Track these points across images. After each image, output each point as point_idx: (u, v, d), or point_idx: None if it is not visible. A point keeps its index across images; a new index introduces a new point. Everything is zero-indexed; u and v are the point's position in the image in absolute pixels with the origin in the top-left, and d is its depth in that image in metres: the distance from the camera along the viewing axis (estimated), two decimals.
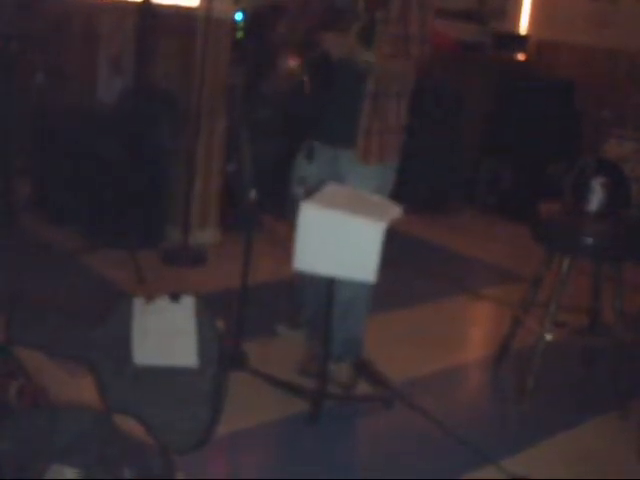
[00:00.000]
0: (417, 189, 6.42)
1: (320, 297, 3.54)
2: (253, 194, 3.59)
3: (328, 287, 3.32)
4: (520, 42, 7.76)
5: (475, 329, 4.96)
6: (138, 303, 3.12)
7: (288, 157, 3.91)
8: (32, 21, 5.66)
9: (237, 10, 4.08)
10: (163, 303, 3.11)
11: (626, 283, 3.88)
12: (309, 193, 3.30)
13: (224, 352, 3.11)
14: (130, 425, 2.97)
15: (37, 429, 2.71)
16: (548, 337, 3.79)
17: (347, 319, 3.73)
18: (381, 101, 3.54)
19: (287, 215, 3.79)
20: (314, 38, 3.44)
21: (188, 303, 3.07)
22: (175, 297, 3.11)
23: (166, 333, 3.07)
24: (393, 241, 3.11)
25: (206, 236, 5.34)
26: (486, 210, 6.97)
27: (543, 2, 7.79)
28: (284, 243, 3.72)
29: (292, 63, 3.51)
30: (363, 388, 3.73)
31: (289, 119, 3.78)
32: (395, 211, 3.28)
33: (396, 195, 3.64)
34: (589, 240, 3.72)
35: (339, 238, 3.10)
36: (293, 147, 3.86)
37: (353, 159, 3.58)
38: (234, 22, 4.85)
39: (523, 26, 7.89)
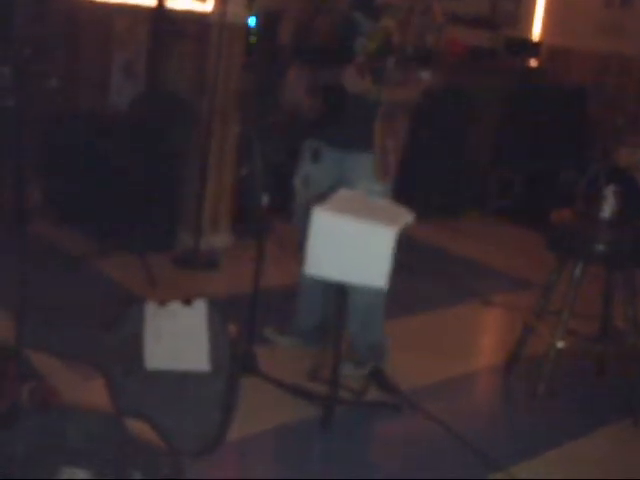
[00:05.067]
0: (429, 195, 6.42)
1: (331, 302, 3.54)
2: (265, 199, 3.60)
3: (340, 293, 3.32)
4: (532, 48, 7.76)
5: (486, 336, 4.95)
6: (150, 307, 3.13)
7: (292, 158, 3.93)
8: (46, 25, 5.69)
9: (250, 15, 4.08)
10: (175, 307, 3.12)
11: (638, 290, 3.87)
12: (320, 198, 3.30)
13: (236, 356, 3.12)
14: (141, 428, 2.98)
15: (49, 431, 2.73)
16: (560, 344, 3.78)
17: (367, 326, 3.76)
18: (393, 119, 3.56)
19: (293, 218, 3.82)
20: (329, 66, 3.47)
21: (200, 307, 3.07)
22: (187, 301, 3.12)
23: (178, 337, 3.08)
24: (404, 247, 3.11)
25: (218, 240, 5.35)
26: (498, 216, 6.97)
27: (555, 8, 7.78)
28: (294, 248, 3.73)
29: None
30: (373, 394, 3.73)
31: (294, 120, 3.78)
32: (407, 217, 3.28)
33: (408, 201, 3.64)
34: (601, 247, 3.72)
35: (351, 243, 3.10)
36: (296, 148, 3.87)
37: (361, 162, 3.60)
38: (247, 27, 4.86)
39: (535, 32, 7.89)
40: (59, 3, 6.03)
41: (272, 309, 4.10)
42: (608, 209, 3.79)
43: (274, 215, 3.86)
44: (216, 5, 4.99)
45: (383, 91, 3.46)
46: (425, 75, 3.41)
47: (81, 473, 2.59)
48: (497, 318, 5.08)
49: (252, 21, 4.09)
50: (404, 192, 3.81)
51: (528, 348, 4.06)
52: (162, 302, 3.15)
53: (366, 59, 3.35)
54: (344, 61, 3.44)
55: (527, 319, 4.06)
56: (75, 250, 4.97)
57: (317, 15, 3.65)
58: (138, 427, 2.98)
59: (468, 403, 3.95)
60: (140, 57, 5.59)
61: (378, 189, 3.62)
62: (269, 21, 5.66)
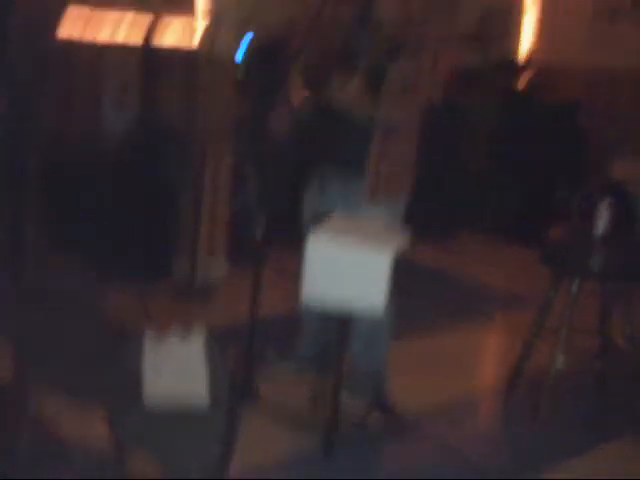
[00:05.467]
0: (424, 216, 6.41)
1: (333, 329, 3.53)
2: (260, 228, 3.59)
3: (341, 319, 3.31)
4: (522, 66, 7.79)
5: (487, 355, 4.94)
6: (148, 339, 3.12)
7: (295, 187, 3.93)
8: (36, 62, 5.71)
9: (239, 47, 4.11)
10: (173, 340, 3.11)
11: (635, 305, 3.87)
12: (315, 224, 3.30)
13: (235, 387, 3.11)
14: (142, 462, 2.97)
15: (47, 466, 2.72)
16: (560, 362, 3.78)
17: (370, 350, 3.74)
18: (389, 141, 3.56)
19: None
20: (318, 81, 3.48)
21: (198, 338, 3.07)
22: (185, 332, 3.11)
23: (177, 370, 3.07)
24: (401, 269, 3.11)
25: (214, 270, 5.34)
26: (494, 234, 6.97)
27: (543, 25, 7.83)
28: (292, 275, 3.73)
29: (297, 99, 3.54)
30: (375, 419, 3.71)
31: (296, 150, 3.80)
32: (402, 239, 3.28)
33: (404, 222, 3.65)
34: (597, 263, 3.72)
35: (347, 268, 3.10)
36: (300, 177, 3.88)
37: (360, 187, 3.59)
38: (236, 58, 4.89)
39: (525, 50, 7.93)
40: (49, 41, 6.06)
41: (271, 337, 4.09)
42: (603, 223, 3.79)
43: (270, 242, 3.86)
44: (203, 39, 5.02)
45: (377, 105, 3.45)
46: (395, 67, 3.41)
47: None
48: (497, 337, 5.07)
49: (241, 53, 4.11)
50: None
51: (529, 366, 4.05)
52: (160, 334, 3.15)
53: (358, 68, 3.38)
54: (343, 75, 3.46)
55: (526, 337, 4.06)
56: (72, 281, 4.97)
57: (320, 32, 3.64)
58: (139, 461, 2.98)
59: (471, 424, 3.93)
60: (131, 92, 5.60)
61: (377, 212, 3.60)
62: (261, 49, 5.69)
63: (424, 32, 3.46)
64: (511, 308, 5.34)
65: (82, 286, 4.91)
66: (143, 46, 5.24)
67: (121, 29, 5.68)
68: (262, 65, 4.82)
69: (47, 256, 5.33)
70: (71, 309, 4.62)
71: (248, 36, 4.55)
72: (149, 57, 5.26)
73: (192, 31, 5.17)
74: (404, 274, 3.19)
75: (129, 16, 5.55)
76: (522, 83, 7.76)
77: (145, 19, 5.26)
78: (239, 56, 4.09)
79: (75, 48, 5.92)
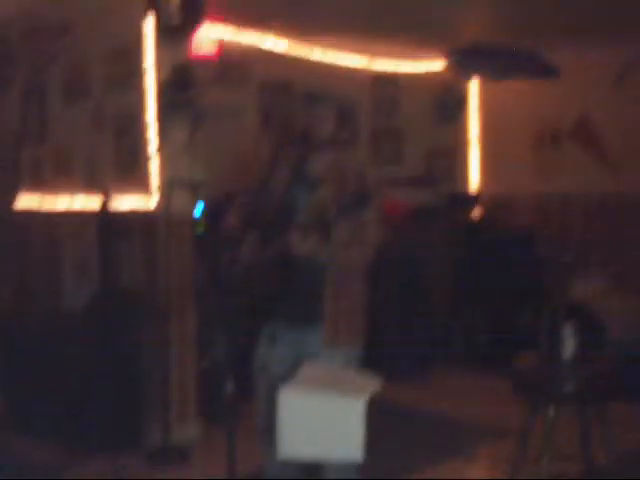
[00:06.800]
0: (393, 356, 6.41)
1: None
2: (230, 386, 3.55)
3: (313, 472, 3.26)
4: (473, 199, 7.97)
5: None
6: None
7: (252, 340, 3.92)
8: None
9: (196, 204, 4.18)
10: None
11: (614, 423, 3.85)
12: (283, 378, 3.27)
13: None
14: None
15: None
16: None
17: None
18: (343, 283, 3.60)
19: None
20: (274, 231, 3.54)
21: None
22: None
23: None
24: (377, 413, 3.08)
25: (187, 431, 5.25)
26: (465, 367, 6.95)
27: (489, 158, 8.05)
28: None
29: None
30: None
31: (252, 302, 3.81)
32: (373, 383, 3.26)
33: (373, 363, 3.63)
34: (570, 387, 3.73)
35: (321, 419, 3.06)
36: (256, 330, 3.86)
37: (318, 333, 3.60)
38: (193, 218, 4.98)
39: (474, 184, 8.12)
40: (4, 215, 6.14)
41: None
42: (570, 347, 3.82)
43: (241, 400, 3.81)
44: (160, 201, 5.10)
45: (333, 250, 3.50)
46: (368, 214, 3.46)
47: None
48: (481, 472, 4.99)
49: (198, 211, 4.17)
50: (369, 357, 3.79)
51: None
52: None
53: (310, 219, 3.43)
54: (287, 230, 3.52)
55: (510, 469, 4.00)
56: (42, 460, 4.85)
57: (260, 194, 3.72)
58: None
59: None
60: (91, 257, 5.63)
61: (340, 357, 3.59)
62: (216, 207, 5.77)
63: (366, 184, 3.54)
64: (493, 440, 5.27)
65: (53, 461, 4.80)
66: (99, 213, 5.32)
67: (76, 202, 5.78)
68: (216, 221, 4.91)
69: (15, 434, 5.25)
70: None
71: (203, 197, 4.64)
72: (106, 223, 5.33)
73: (147, 197, 5.25)
74: (380, 418, 3.15)
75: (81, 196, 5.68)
76: (475, 215, 7.91)
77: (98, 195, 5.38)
78: (196, 213, 4.16)
79: (32, 220, 6.01)
